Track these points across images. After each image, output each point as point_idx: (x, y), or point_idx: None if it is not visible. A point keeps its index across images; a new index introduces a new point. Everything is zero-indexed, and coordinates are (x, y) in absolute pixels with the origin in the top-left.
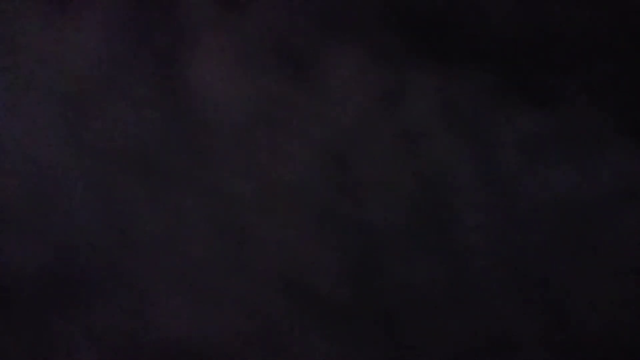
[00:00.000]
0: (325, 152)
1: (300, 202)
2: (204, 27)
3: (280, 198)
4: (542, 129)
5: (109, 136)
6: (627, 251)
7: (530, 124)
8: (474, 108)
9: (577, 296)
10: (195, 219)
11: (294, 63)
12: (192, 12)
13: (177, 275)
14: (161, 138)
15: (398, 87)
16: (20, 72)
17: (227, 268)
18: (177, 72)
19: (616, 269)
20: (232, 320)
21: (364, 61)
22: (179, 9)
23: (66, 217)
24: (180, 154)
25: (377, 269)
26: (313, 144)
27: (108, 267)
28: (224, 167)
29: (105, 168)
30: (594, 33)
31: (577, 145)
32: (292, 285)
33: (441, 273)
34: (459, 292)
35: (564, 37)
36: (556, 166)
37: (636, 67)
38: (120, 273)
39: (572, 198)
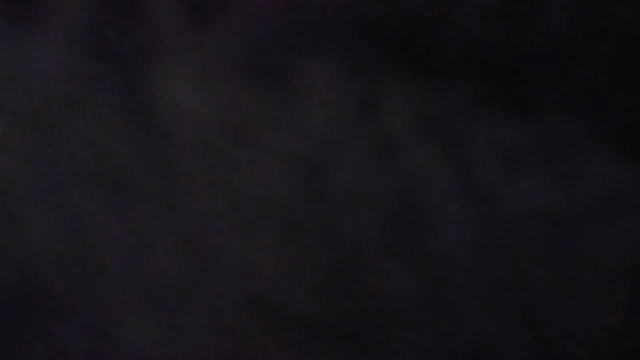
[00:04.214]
0: (298, 166)
1: (272, 217)
2: (172, 41)
3: (251, 213)
4: (521, 139)
5: (74, 153)
6: (608, 261)
7: (509, 134)
8: (452, 119)
9: (559, 309)
10: (162, 236)
11: (265, 76)
12: (160, 26)
13: (143, 294)
14: (127, 154)
15: (374, 98)
16: None
17: (195, 286)
18: (144, 87)
19: (598, 279)
20: (200, 339)
21: (338, 73)
22: (147, 22)
23: (29, 234)
24: (147, 170)
25: (352, 284)
26: (285, 157)
27: (72, 285)
28: (192, 183)
29: (70, 185)
30: (572, 43)
31: (557, 156)
32: (262, 302)
33: (419, 288)
34: (437, 307)
35: (543, 47)
36: (536, 176)
37: (615, 76)
38: (84, 291)
39: (553, 208)
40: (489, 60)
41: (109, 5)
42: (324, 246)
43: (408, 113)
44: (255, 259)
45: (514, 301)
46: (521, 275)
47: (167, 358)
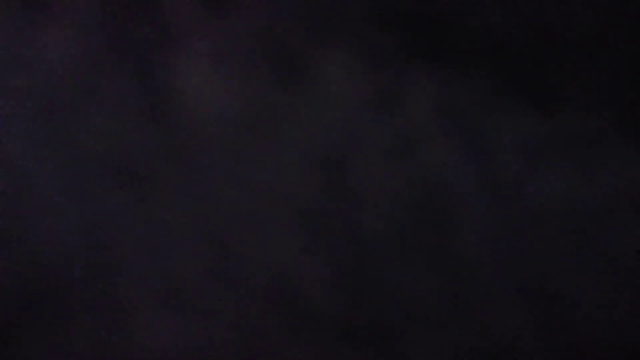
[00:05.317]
0: (317, 158)
1: (291, 210)
2: (188, 31)
3: (269, 206)
4: (542, 133)
5: (89, 144)
6: (629, 255)
7: (530, 127)
8: (472, 111)
9: (580, 303)
10: (179, 229)
11: (283, 66)
12: (176, 15)
13: (159, 287)
14: (143, 145)
15: (393, 90)
16: None
17: (213, 279)
18: (160, 77)
19: (619, 274)
20: (218, 333)
21: (357, 64)
22: (162, 11)
23: (43, 227)
24: (163, 161)
25: (372, 280)
26: (304, 149)
27: (87, 278)
28: (209, 175)
29: (84, 176)
30: (594, 35)
31: (578, 149)
32: (282, 297)
33: (439, 282)
34: (458, 302)
35: (564, 39)
36: (557, 170)
37: (636, 69)
38: (101, 285)
39: (573, 202)
40: (511, 51)
41: None
42: (344, 241)
43: (428, 106)
44: (275, 252)
45: (536, 295)
46: (543, 269)
47: (185, 352)
